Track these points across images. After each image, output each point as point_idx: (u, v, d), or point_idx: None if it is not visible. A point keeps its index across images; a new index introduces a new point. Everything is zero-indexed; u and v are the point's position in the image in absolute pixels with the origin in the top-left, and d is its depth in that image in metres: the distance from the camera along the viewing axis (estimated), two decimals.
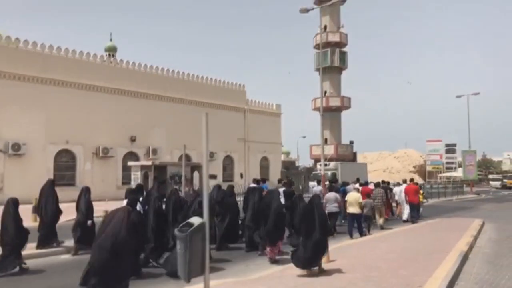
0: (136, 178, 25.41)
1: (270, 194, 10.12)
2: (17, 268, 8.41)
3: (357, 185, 16.55)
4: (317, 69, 48.40)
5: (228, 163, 38.08)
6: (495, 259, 9.84)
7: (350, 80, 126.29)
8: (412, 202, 16.61)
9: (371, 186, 16.76)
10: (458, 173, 59.76)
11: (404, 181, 19.29)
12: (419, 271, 7.88)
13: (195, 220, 6.12)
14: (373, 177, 43.38)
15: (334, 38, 47.10)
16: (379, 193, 15.24)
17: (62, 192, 23.97)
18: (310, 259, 7.78)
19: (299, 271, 8.00)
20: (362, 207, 12.96)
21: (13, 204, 8.58)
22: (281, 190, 13.15)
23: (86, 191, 10.55)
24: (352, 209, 12.92)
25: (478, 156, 62.44)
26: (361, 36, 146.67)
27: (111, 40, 42.58)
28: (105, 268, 6.20)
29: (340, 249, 10.50)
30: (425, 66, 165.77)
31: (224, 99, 37.10)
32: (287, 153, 62.97)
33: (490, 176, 71.14)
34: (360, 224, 13.08)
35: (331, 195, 13.47)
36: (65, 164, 27.45)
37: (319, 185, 17.02)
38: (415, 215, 16.67)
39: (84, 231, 10.05)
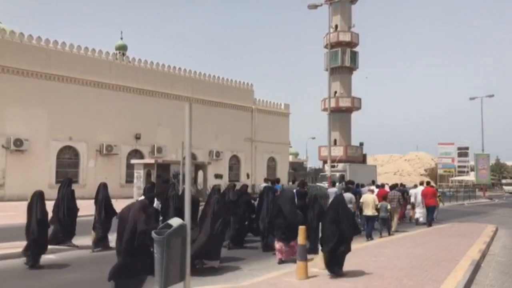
0: (139, 176, 24.99)
1: (283, 193, 9.95)
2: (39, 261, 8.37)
3: (372, 187, 16.26)
4: (328, 69, 47.61)
5: (234, 163, 37.51)
6: (510, 269, 9.08)
7: (361, 81, 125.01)
8: (429, 205, 16.27)
9: (387, 188, 16.68)
10: (470, 177, 58.43)
11: (421, 184, 18.88)
12: (426, 281, 7.19)
13: (175, 222, 5.53)
14: (384, 180, 42.43)
15: (345, 37, 46.29)
16: (396, 196, 15.04)
17: None
18: (338, 261, 7.59)
19: (296, 277, 7.40)
20: (377, 209, 12.78)
21: (39, 198, 8.44)
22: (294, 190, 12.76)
23: (103, 187, 10.38)
24: (368, 211, 12.69)
25: (492, 160, 61.01)
26: (373, 36, 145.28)
27: (121, 38, 42.35)
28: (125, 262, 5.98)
29: None
30: (438, 67, 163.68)
31: (232, 98, 36.55)
32: (296, 154, 62.14)
33: (504, 181, 69.56)
34: (373, 225, 12.85)
35: (346, 196, 12.98)
36: (68, 161, 27.12)
37: (334, 186, 17.13)
38: (431, 218, 16.28)
39: (104, 228, 9.95)
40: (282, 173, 40.92)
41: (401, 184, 19.64)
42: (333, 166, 36.61)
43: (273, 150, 40.52)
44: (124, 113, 29.19)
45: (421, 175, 73.60)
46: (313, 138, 62.40)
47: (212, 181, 29.45)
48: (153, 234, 5.47)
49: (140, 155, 29.68)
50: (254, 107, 38.61)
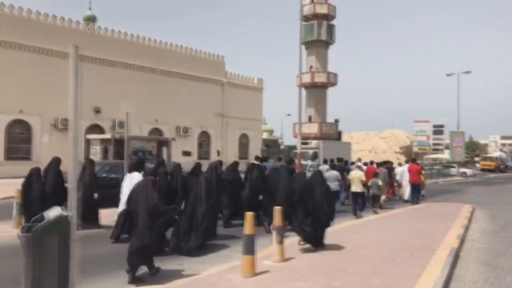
0: (95, 152, 23.14)
1: (276, 172, 9.69)
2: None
3: (360, 164, 16.52)
4: (303, 43, 45.93)
5: (204, 139, 35.80)
6: (493, 259, 7.90)
7: (338, 56, 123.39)
8: (414, 182, 16.19)
9: (374, 166, 16.90)
10: (445, 155, 58.40)
11: (407, 162, 19.42)
12: (397, 280, 5.88)
13: (52, 213, 3.97)
14: (358, 158, 41.51)
15: (321, 9, 44.36)
16: (383, 173, 15.24)
17: (16, 167, 21.53)
18: (317, 234, 7.60)
19: (241, 274, 6.03)
20: (364, 185, 12.88)
21: (36, 174, 8.32)
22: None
23: (89, 163, 10.26)
24: (355, 188, 12.66)
25: (465, 138, 61.08)
26: (350, 10, 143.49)
27: (90, 8, 39.47)
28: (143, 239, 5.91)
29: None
30: (416, 43, 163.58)
31: (201, 70, 34.53)
32: (271, 131, 60.77)
33: (476, 159, 70.11)
34: (364, 202, 12.86)
35: (332, 173, 13.44)
36: (19, 136, 24.96)
37: (326, 164, 16.65)
38: (416, 196, 16.25)
39: (88, 206, 9.41)
40: (255, 150, 39.51)
41: (388, 162, 19.43)
42: (306, 143, 35.43)
43: (246, 127, 38.95)
44: (82, 84, 26.93)
45: (396, 152, 73.52)
46: (289, 115, 61.14)
47: (179, 159, 27.86)
48: (18, 231, 3.94)
49: (101, 130, 27.68)
50: (225, 81, 36.75)
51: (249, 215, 6.37)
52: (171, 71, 32.08)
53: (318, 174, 8.31)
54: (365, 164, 17.51)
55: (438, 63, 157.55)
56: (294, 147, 40.65)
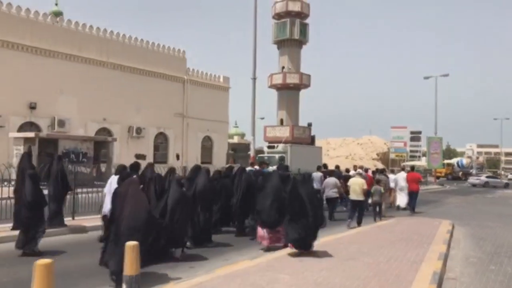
0: (18, 153, 19.79)
1: (267, 176, 9.29)
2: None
3: (360, 171, 16.02)
4: (275, 42, 43.48)
5: (161, 141, 32.55)
6: None
7: (312, 57, 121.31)
8: (413, 190, 16.14)
9: (370, 173, 17.01)
10: (422, 162, 56.53)
11: (403, 169, 19.51)
12: None
13: None
14: (335, 163, 39.02)
15: (294, 7, 42.01)
16: (384, 180, 14.96)
17: None
18: (305, 238, 7.43)
19: None
20: (365, 193, 12.36)
21: (29, 178, 7.47)
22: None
23: (58, 159, 9.72)
24: (356, 196, 11.98)
25: (443, 146, 59.48)
26: (325, 11, 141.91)
27: (56, 4, 35.99)
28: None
29: (212, 284, 5.58)
30: (394, 47, 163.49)
31: (159, 65, 31.34)
32: (242, 135, 57.74)
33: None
34: (362, 211, 12.33)
35: (331, 180, 13.48)
36: None
37: (319, 170, 15.94)
38: (414, 204, 16.15)
39: (57, 203, 9.17)
40: (220, 154, 36.60)
41: (384, 170, 19.13)
42: (272, 147, 32.72)
43: (209, 128, 35.88)
44: (14, 76, 23.57)
45: (373, 159, 71.55)
46: (262, 118, 57.93)
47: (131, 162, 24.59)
48: None
49: (37, 129, 24.26)
50: (187, 78, 33.65)
51: (128, 246, 3.43)
52: (123, 65, 28.86)
53: (307, 177, 8.39)
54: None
55: (417, 69, 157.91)
56: (262, 151, 37.92)
